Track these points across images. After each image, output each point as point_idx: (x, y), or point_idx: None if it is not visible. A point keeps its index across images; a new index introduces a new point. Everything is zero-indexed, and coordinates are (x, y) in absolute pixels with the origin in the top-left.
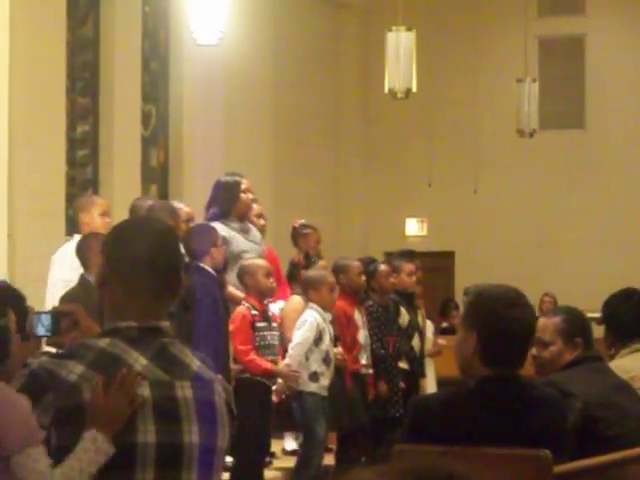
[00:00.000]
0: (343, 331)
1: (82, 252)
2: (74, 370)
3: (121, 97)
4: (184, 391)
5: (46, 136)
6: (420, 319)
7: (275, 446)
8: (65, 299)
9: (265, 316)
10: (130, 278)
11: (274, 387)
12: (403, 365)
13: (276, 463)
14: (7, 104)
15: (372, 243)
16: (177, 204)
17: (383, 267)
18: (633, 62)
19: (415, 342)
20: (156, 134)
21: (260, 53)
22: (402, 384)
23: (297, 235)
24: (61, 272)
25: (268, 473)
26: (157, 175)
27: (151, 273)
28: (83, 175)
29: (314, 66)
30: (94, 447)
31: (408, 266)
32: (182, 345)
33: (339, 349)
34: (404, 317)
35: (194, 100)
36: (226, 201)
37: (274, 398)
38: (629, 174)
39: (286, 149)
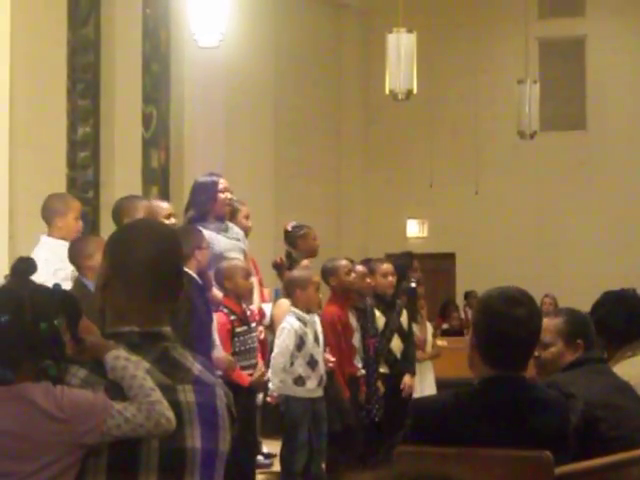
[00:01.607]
0: (339, 337)
1: (73, 257)
2: (77, 374)
3: (122, 99)
4: (186, 395)
5: (47, 138)
6: (404, 319)
7: (275, 448)
8: None
9: (244, 320)
10: (133, 282)
11: (269, 391)
12: (383, 369)
13: (277, 465)
14: (8, 105)
15: (373, 245)
16: (156, 202)
17: (359, 268)
18: (633, 63)
19: (396, 344)
20: (157, 135)
21: (261, 55)
22: (381, 387)
23: (294, 238)
24: (38, 278)
25: (268, 476)
26: (158, 176)
27: (154, 278)
28: (84, 177)
29: (315, 68)
30: (124, 359)
31: (384, 267)
32: (183, 349)
33: (328, 355)
34: (379, 320)
35: (195, 101)
36: (204, 202)
37: (269, 399)
38: (630, 175)
39: (287, 150)
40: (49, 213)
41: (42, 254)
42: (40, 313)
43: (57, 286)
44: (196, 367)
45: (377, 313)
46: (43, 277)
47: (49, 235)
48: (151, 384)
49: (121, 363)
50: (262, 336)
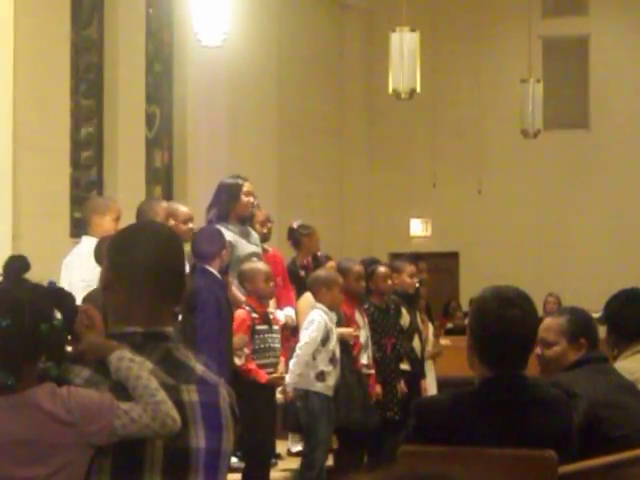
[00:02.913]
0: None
1: (98, 254)
2: (81, 374)
3: (125, 99)
4: (190, 395)
5: (50, 138)
6: (419, 320)
7: (281, 447)
8: (86, 300)
9: (266, 319)
10: (133, 283)
11: (279, 388)
12: (405, 367)
13: (281, 464)
14: (12, 105)
15: (376, 244)
16: (176, 205)
17: (382, 269)
18: (637, 62)
19: (416, 343)
20: (160, 135)
21: (264, 54)
22: (403, 386)
23: (300, 236)
24: (79, 273)
25: (274, 474)
26: (161, 176)
27: (154, 278)
28: (87, 177)
29: (318, 67)
30: (128, 359)
31: (410, 267)
32: (186, 350)
33: (348, 330)
34: (405, 318)
35: (198, 101)
36: (226, 203)
37: (279, 397)
38: (633, 173)
39: (290, 150)
40: (88, 212)
41: (84, 252)
42: (39, 314)
43: (52, 283)
44: (199, 367)
45: (404, 311)
46: (86, 274)
47: (87, 234)
48: (156, 385)
49: (125, 364)
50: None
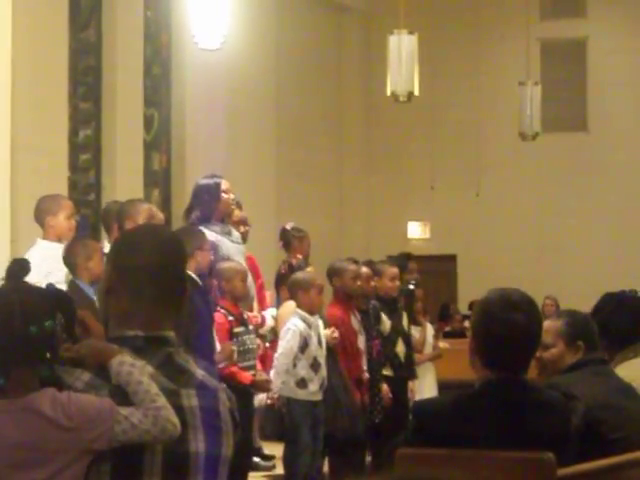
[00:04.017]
0: (342, 340)
1: (69, 258)
2: (81, 377)
3: (123, 101)
4: (190, 400)
5: (48, 141)
6: (405, 323)
7: (278, 451)
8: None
9: (241, 320)
10: (137, 287)
11: (269, 393)
12: (387, 372)
13: (279, 468)
14: (10, 108)
15: (374, 246)
16: (141, 204)
17: (364, 270)
18: (635, 64)
19: (400, 348)
20: (158, 138)
21: (262, 57)
22: (387, 391)
23: (291, 238)
24: (34, 280)
25: (269, 478)
26: (159, 179)
27: (158, 282)
28: (86, 180)
29: (316, 70)
30: (129, 364)
31: (391, 270)
32: (186, 354)
33: (329, 331)
34: (385, 324)
35: (196, 104)
36: (208, 203)
37: (269, 401)
38: (631, 176)
39: (288, 152)
40: (40, 214)
41: (35, 256)
42: (30, 316)
43: (51, 286)
44: (199, 372)
45: (384, 316)
46: (35, 279)
47: (44, 238)
48: (156, 390)
49: (126, 369)
50: (260, 351)
